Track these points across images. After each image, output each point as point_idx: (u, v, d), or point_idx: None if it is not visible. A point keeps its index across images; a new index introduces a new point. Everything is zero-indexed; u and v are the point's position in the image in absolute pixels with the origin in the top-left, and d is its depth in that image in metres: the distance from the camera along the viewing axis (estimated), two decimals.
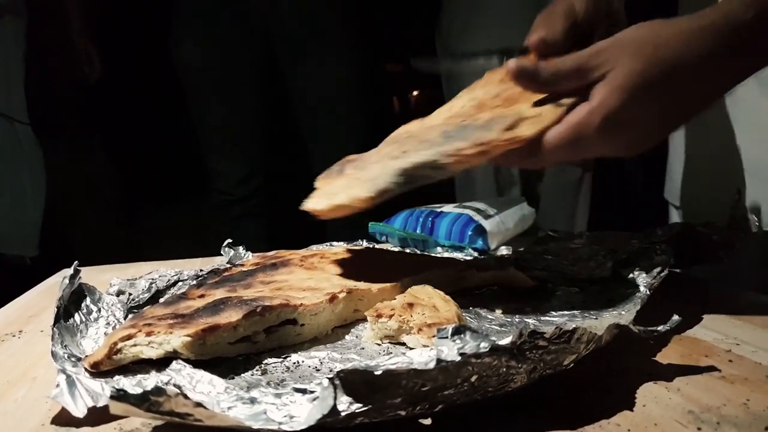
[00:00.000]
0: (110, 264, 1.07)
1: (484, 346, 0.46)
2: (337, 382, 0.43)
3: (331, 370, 0.60)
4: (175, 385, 0.45)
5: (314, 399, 0.45)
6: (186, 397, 0.43)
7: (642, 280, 0.76)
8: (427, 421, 0.51)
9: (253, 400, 0.46)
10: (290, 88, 2.03)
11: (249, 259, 0.96)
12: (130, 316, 0.74)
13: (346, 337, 0.70)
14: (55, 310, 0.66)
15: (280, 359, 0.63)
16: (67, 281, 0.70)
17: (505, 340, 0.47)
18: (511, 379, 0.49)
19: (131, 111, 2.54)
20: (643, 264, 0.80)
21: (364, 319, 0.70)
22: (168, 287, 0.86)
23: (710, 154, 0.98)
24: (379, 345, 0.66)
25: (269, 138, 2.13)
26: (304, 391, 0.47)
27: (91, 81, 2.22)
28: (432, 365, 0.44)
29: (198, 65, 2.00)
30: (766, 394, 0.54)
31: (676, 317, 0.60)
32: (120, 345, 0.59)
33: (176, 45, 2.02)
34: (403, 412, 0.46)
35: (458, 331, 0.47)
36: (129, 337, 0.59)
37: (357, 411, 0.44)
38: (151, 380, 0.55)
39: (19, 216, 1.98)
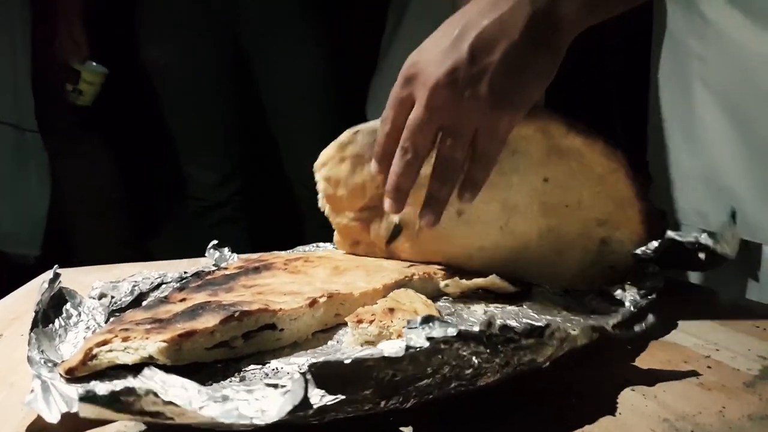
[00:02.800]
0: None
1: (452, 331, 0.46)
2: (308, 376, 0.44)
3: None
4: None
5: (285, 393, 0.45)
6: (156, 395, 0.43)
7: (629, 297, 0.76)
8: (408, 429, 0.51)
9: (224, 398, 0.46)
10: (260, 87, 2.01)
11: (233, 261, 0.96)
12: (111, 320, 0.73)
13: (327, 342, 0.69)
14: (33, 314, 0.66)
15: (259, 366, 0.63)
16: (46, 285, 0.70)
17: (474, 328, 0.48)
18: (484, 373, 0.49)
19: (135, 109, 2.54)
20: (632, 281, 0.79)
21: (346, 324, 0.69)
22: (151, 290, 0.85)
23: (678, 159, 1.01)
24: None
25: (244, 142, 2.11)
26: (275, 386, 0.47)
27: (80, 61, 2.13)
28: (401, 353, 0.45)
29: (163, 68, 1.98)
30: (742, 401, 0.54)
31: (651, 317, 0.60)
32: (96, 350, 0.58)
33: (143, 48, 2.00)
34: (376, 406, 0.47)
35: (427, 320, 0.47)
36: (105, 343, 0.59)
37: (329, 404, 0.44)
38: (121, 384, 0.55)
39: (24, 217, 2.03)
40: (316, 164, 0.88)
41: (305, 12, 1.96)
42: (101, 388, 0.44)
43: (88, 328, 0.71)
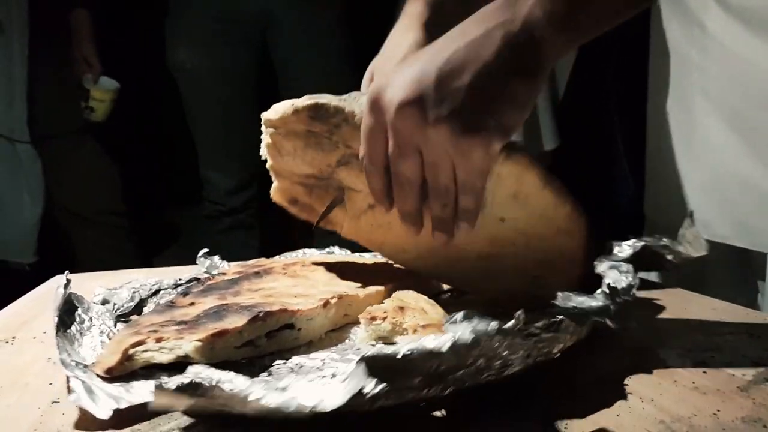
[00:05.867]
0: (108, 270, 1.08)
1: (493, 326, 0.51)
2: (363, 364, 0.47)
3: (333, 369, 0.63)
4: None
5: (344, 381, 0.48)
6: (222, 388, 0.46)
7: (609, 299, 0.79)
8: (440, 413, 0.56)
9: (283, 388, 0.49)
10: (282, 95, 2.04)
11: (227, 267, 0.98)
12: (119, 325, 0.75)
13: (344, 340, 0.74)
14: (55, 319, 0.68)
15: (283, 361, 0.67)
16: (62, 291, 0.72)
17: (509, 324, 0.53)
18: (510, 364, 0.55)
19: (134, 115, 2.58)
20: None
21: (354, 323, 0.75)
22: (150, 296, 0.87)
23: (678, 168, 1.03)
24: (373, 346, 0.71)
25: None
26: (332, 376, 0.51)
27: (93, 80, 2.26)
28: (448, 347, 0.49)
29: (191, 73, 2.01)
30: (736, 405, 0.56)
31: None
32: (131, 351, 0.61)
33: (171, 52, 2.02)
34: (419, 393, 0.51)
35: (468, 316, 0.52)
36: (140, 343, 0.62)
37: (380, 392, 0.48)
38: (172, 383, 0.57)
39: (16, 226, 2.10)
40: (267, 116, 0.77)
41: (337, 27, 2.01)
42: (172, 380, 0.47)
43: (102, 332, 0.72)
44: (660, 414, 0.55)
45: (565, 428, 0.52)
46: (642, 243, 0.84)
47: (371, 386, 0.47)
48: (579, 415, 0.54)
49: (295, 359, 0.67)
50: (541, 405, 0.57)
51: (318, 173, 0.78)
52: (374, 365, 0.48)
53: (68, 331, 0.69)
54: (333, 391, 0.47)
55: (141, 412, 0.54)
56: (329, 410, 0.47)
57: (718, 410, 0.55)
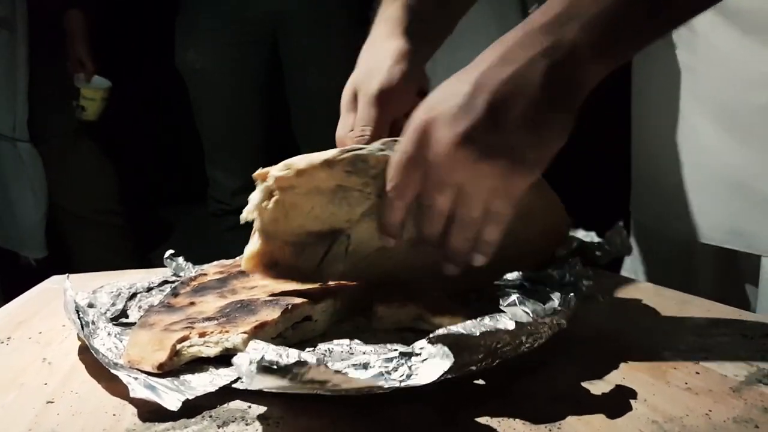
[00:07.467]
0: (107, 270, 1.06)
1: (549, 307, 0.62)
2: (441, 343, 0.54)
3: (363, 353, 0.69)
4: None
5: (425, 360, 0.53)
6: (326, 365, 0.50)
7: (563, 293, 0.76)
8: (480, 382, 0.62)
9: (366, 365, 0.53)
10: (291, 98, 2.05)
11: (194, 269, 0.99)
12: (117, 329, 0.74)
13: (352, 328, 0.78)
14: (77, 322, 0.68)
15: (312, 348, 0.71)
16: (71, 293, 0.71)
17: (554, 303, 0.64)
18: (540, 337, 0.63)
19: (133, 114, 2.59)
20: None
21: (356, 314, 0.79)
22: (128, 299, 0.87)
23: (666, 169, 1.03)
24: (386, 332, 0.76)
25: (269, 151, 2.12)
26: (410, 355, 0.55)
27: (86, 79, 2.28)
28: (512, 327, 0.58)
29: (201, 73, 1.98)
30: (728, 405, 0.58)
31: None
32: (178, 347, 0.64)
33: (180, 51, 1.99)
34: (473, 367, 0.58)
35: (521, 301, 0.61)
36: (184, 339, 0.64)
37: (452, 367, 0.53)
38: (220, 379, 0.61)
39: (24, 222, 2.19)
40: (279, 175, 0.66)
41: (348, 28, 1.99)
42: (275, 361, 0.49)
43: (109, 334, 0.71)
44: (652, 414, 0.56)
45: (558, 429, 0.54)
46: (577, 239, 0.92)
47: (448, 362, 0.53)
48: (571, 413, 0.56)
49: (322, 346, 0.71)
50: (533, 405, 0.58)
51: (329, 228, 0.70)
52: (452, 343, 0.54)
53: (84, 333, 0.68)
54: (421, 368, 0.53)
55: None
56: (423, 384, 0.52)
57: (710, 410, 0.57)
